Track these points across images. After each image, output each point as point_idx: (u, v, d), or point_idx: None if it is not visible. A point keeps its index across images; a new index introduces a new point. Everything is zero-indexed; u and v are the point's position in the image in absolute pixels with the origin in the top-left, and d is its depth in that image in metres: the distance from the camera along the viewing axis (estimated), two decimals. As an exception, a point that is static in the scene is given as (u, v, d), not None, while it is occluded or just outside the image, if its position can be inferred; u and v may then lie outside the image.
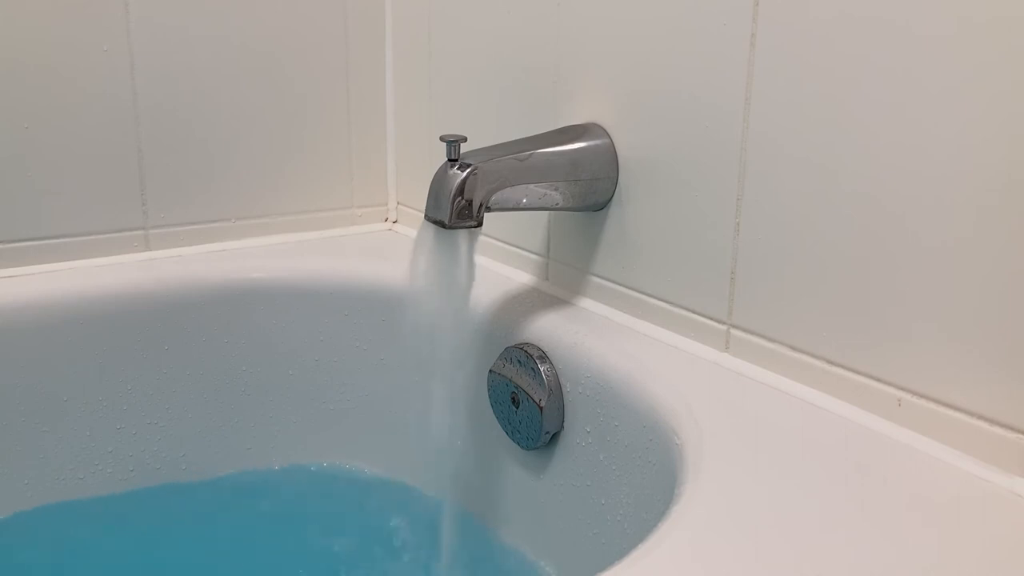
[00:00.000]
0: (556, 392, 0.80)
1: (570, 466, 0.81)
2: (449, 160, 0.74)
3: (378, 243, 1.10)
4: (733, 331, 0.75)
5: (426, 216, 0.74)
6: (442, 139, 0.74)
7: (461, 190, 0.72)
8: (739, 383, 0.72)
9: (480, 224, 0.74)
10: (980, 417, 0.59)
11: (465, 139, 0.74)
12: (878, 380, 0.65)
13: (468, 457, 0.92)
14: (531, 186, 0.77)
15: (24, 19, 0.91)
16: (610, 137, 0.82)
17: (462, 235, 0.74)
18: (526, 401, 0.81)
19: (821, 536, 0.52)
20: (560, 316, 0.84)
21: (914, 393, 0.63)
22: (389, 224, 1.17)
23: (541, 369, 0.80)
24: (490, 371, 0.85)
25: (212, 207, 1.04)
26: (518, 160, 0.76)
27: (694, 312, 0.78)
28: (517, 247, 0.96)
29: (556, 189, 0.79)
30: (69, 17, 0.93)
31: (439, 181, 0.73)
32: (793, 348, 0.70)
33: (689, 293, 0.78)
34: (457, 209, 0.72)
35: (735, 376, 0.73)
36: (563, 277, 0.90)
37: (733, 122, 0.71)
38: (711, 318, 0.76)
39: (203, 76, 1.01)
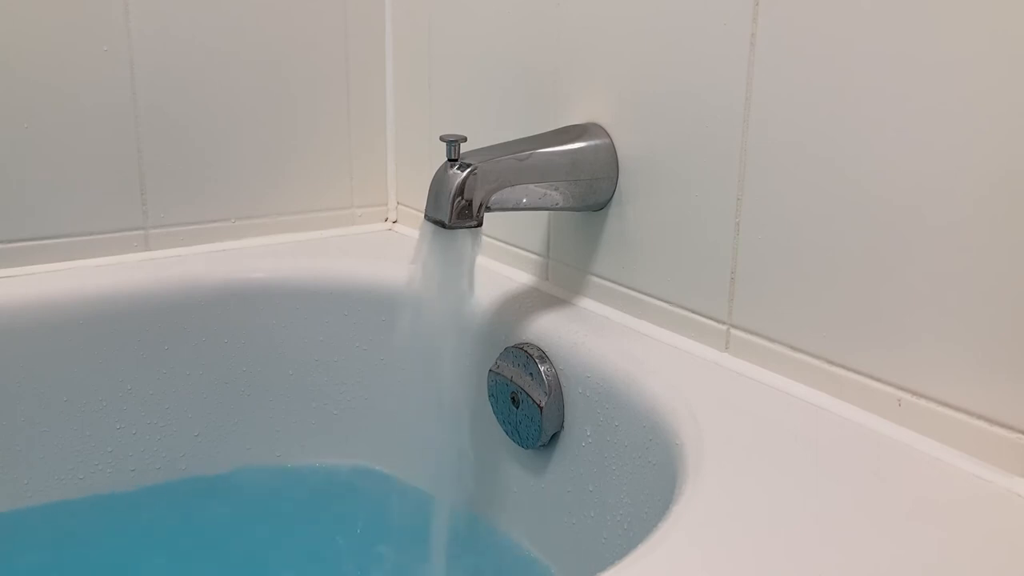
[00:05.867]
0: (556, 392, 0.80)
1: (570, 466, 0.81)
2: (449, 160, 0.74)
3: (378, 243, 1.10)
4: (733, 331, 0.75)
5: (426, 216, 0.74)
6: (442, 139, 0.74)
7: (461, 190, 0.72)
8: (739, 383, 0.72)
9: (480, 224, 0.74)
10: (980, 417, 0.59)
11: (465, 139, 0.74)
12: (878, 380, 0.65)
13: (468, 457, 0.92)
14: (531, 186, 0.77)
15: (24, 19, 0.91)
16: (610, 137, 0.82)
17: (462, 235, 0.74)
18: (526, 401, 0.81)
19: (821, 536, 0.52)
20: (560, 316, 0.84)
21: (914, 393, 0.63)
22: (389, 224, 1.17)
23: (541, 369, 0.80)
24: (490, 371, 0.85)
25: (212, 207, 1.04)
26: (518, 160, 0.76)
27: (694, 312, 0.78)
28: (517, 247, 0.96)
29: (556, 189, 0.79)
30: (69, 17, 0.93)
31: (439, 181, 0.73)
32: (793, 348, 0.70)
33: (689, 293, 0.78)
34: (457, 209, 0.72)
35: (735, 376, 0.73)
36: (563, 277, 0.90)
37: (733, 122, 0.71)
38: (711, 318, 0.76)
39: (203, 76, 1.01)
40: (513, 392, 0.82)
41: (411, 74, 1.09)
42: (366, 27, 1.10)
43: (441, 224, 0.73)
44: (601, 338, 0.79)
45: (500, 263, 0.98)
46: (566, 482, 0.81)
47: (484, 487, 0.91)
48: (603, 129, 0.82)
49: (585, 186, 0.81)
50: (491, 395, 0.86)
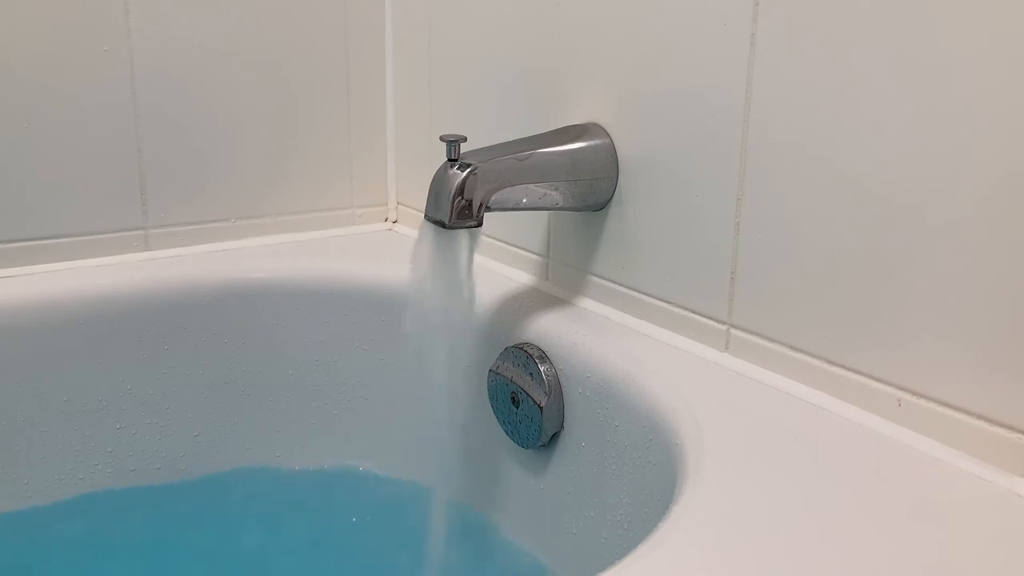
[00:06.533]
0: (556, 392, 0.80)
1: (570, 466, 0.81)
2: (449, 160, 0.74)
3: (378, 243, 1.10)
4: (733, 331, 0.75)
5: (426, 216, 0.74)
6: (442, 139, 0.74)
7: (461, 190, 0.72)
8: (739, 383, 0.72)
9: (480, 224, 0.74)
10: (980, 417, 0.59)
11: (465, 139, 0.74)
12: (878, 380, 0.65)
13: (469, 457, 0.92)
14: (531, 186, 0.77)
15: (24, 19, 0.91)
16: (610, 137, 0.82)
17: (462, 235, 0.74)
18: (526, 401, 0.81)
19: (821, 536, 0.52)
20: (560, 316, 0.84)
21: (914, 393, 0.63)
22: (389, 224, 1.17)
23: (541, 369, 0.80)
24: (490, 371, 0.85)
25: (212, 207, 1.04)
26: (518, 160, 0.76)
27: (694, 312, 0.78)
28: (517, 247, 0.96)
29: (556, 189, 0.79)
30: (69, 17, 0.93)
31: (439, 181, 0.73)
32: (793, 348, 0.70)
33: (689, 293, 0.78)
34: (457, 209, 0.72)
35: (735, 376, 0.73)
36: (563, 277, 0.90)
37: (733, 122, 0.71)
38: (711, 318, 0.76)
39: (203, 76, 1.01)
40: (513, 392, 0.82)
41: (411, 74, 1.09)
42: (366, 27, 1.10)
43: (441, 224, 0.73)
44: (601, 338, 0.79)
45: (500, 263, 0.98)
46: (566, 482, 0.81)
47: (484, 487, 0.91)
48: (603, 129, 0.82)
49: (585, 186, 0.81)
50: (491, 395, 0.86)
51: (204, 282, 0.97)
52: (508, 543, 0.88)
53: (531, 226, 0.93)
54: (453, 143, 0.74)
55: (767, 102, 0.69)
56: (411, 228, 1.13)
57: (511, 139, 0.80)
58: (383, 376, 0.99)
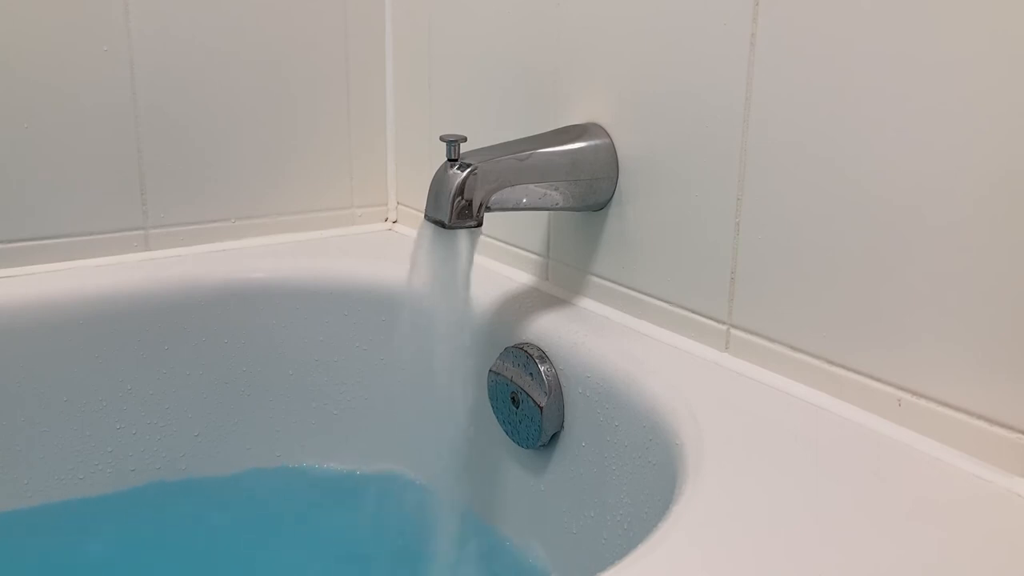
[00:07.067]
0: (556, 392, 0.80)
1: (570, 466, 0.81)
2: (449, 160, 0.74)
3: (378, 243, 1.10)
4: (733, 331, 0.75)
5: (426, 216, 0.74)
6: (442, 139, 0.74)
7: (461, 190, 0.72)
8: (739, 383, 0.72)
9: (480, 224, 0.74)
10: (980, 417, 0.59)
11: (465, 139, 0.74)
12: (878, 380, 0.65)
13: (468, 457, 0.92)
14: (531, 186, 0.77)
15: (24, 19, 0.91)
16: (610, 137, 0.82)
17: (462, 235, 0.74)
18: (526, 401, 0.81)
19: (821, 536, 0.52)
20: (560, 316, 0.84)
21: (914, 393, 0.63)
22: (389, 224, 1.17)
23: (541, 369, 0.80)
24: (490, 371, 0.85)
25: (212, 207, 1.04)
26: (518, 160, 0.76)
27: (694, 312, 0.78)
28: (517, 247, 0.96)
29: (556, 189, 0.79)
30: (69, 17, 0.93)
31: (439, 181, 0.73)
32: (793, 348, 0.70)
33: (689, 293, 0.78)
34: (457, 209, 0.72)
35: (735, 376, 0.73)
36: (563, 277, 0.90)
37: (733, 122, 0.71)
38: (711, 318, 0.76)
39: (203, 76, 1.01)
40: (513, 392, 0.82)
41: (411, 74, 1.09)
42: (366, 27, 1.10)
43: (441, 224, 0.73)
44: (601, 338, 0.79)
45: (500, 263, 0.98)
46: (566, 482, 0.81)
47: (484, 487, 0.91)
48: (603, 129, 0.82)
49: (585, 186, 0.81)
50: (491, 395, 0.86)
51: (204, 282, 0.97)
52: (508, 543, 0.88)
53: (531, 226, 0.93)
54: (453, 143, 0.74)
55: (767, 102, 0.69)
56: (411, 228, 1.13)
57: (511, 139, 0.80)
58: (383, 376, 0.99)
